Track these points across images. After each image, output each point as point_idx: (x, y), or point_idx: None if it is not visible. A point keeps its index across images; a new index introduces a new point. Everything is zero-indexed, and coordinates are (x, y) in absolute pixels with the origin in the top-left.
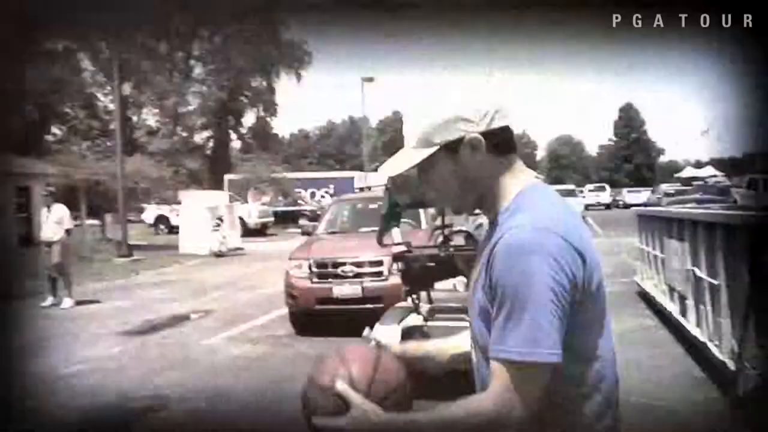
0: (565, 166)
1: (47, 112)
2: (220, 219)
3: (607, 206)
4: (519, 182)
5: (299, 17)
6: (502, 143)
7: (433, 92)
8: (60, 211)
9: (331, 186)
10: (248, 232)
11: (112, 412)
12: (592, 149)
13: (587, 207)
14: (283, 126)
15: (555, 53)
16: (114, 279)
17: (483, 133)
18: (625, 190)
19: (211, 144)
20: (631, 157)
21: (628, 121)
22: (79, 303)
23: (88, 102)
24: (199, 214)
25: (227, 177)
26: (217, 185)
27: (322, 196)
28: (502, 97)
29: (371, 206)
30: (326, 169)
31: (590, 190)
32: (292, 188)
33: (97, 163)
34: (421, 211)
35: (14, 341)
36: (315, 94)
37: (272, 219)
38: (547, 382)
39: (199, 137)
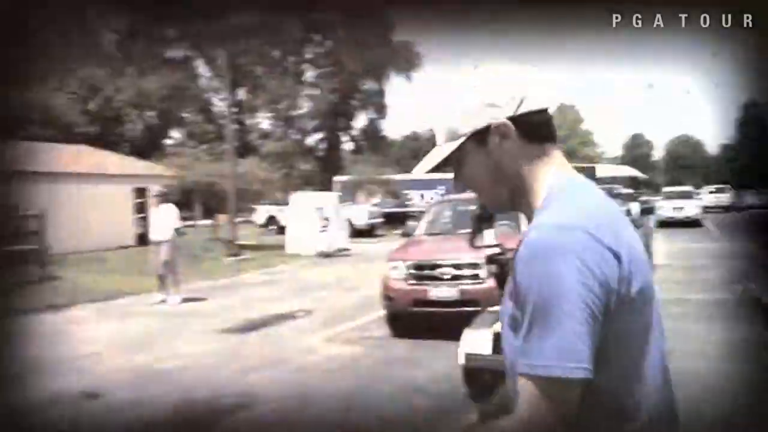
0: (684, 166)
1: (166, 117)
2: (327, 219)
3: (726, 209)
4: (554, 176)
5: (409, 19)
6: (535, 130)
7: (457, 83)
8: (169, 211)
9: (442, 187)
10: (356, 233)
11: (203, 407)
12: (713, 149)
13: (706, 209)
14: (393, 128)
15: (676, 52)
16: (221, 278)
17: (512, 119)
18: (747, 192)
19: (322, 146)
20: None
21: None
22: (186, 300)
23: (205, 107)
24: (307, 215)
25: (336, 178)
26: (328, 186)
27: (432, 198)
28: (532, 80)
29: (472, 207)
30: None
31: (710, 192)
32: (401, 189)
33: (210, 165)
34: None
35: (122, 336)
36: (425, 96)
37: (380, 220)
38: (577, 399)
39: (311, 139)
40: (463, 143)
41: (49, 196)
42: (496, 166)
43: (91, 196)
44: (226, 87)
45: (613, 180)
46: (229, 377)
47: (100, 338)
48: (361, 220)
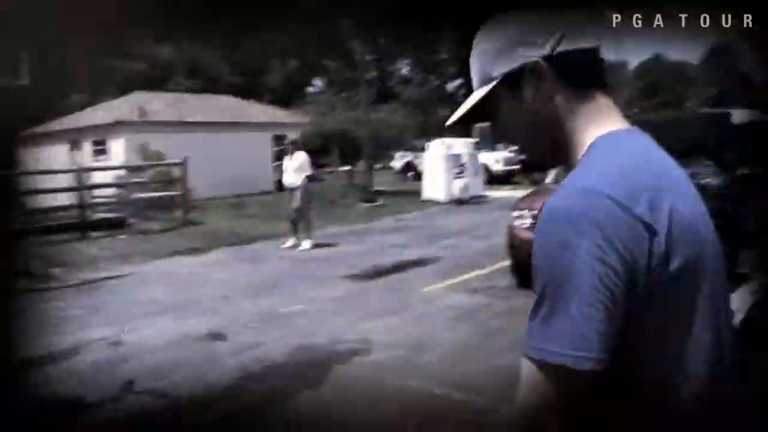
0: None
1: (308, 65)
2: (463, 166)
3: None
4: (598, 128)
5: None
6: (578, 72)
7: (491, 21)
8: (301, 158)
9: None
10: (493, 179)
11: (318, 353)
12: None
13: None
14: None
15: None
16: (354, 224)
17: (549, 59)
18: None
19: (462, 92)
20: None
21: None
22: (317, 246)
23: (345, 54)
24: (442, 161)
25: (476, 125)
26: (468, 133)
27: None
28: (575, 15)
29: None
30: None
31: None
32: None
33: (346, 112)
34: None
35: (252, 279)
36: None
37: (518, 167)
38: (584, 390)
39: (451, 85)
40: (496, 88)
41: (193, 144)
42: (533, 115)
43: (233, 143)
44: (366, 34)
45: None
46: (348, 323)
47: (232, 281)
48: (498, 167)
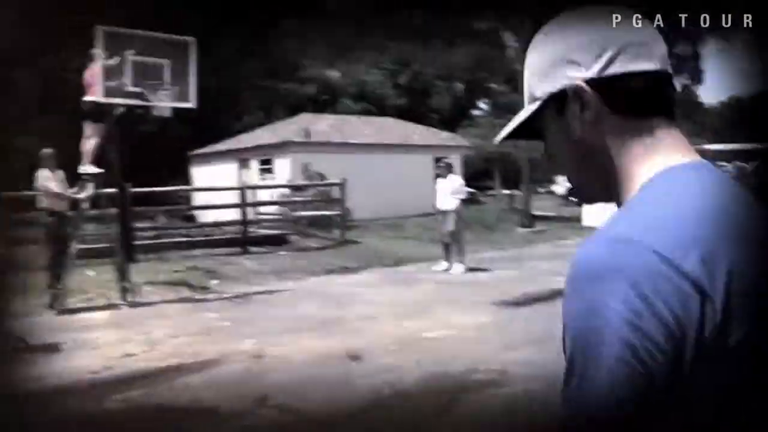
0: None
1: (473, 88)
2: None
3: None
4: (654, 163)
5: None
6: (632, 99)
7: (545, 33)
8: (455, 181)
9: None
10: None
11: (452, 381)
12: None
13: None
14: (710, 93)
15: None
16: (510, 248)
17: (594, 82)
18: None
19: None
20: None
21: None
22: (469, 270)
23: (511, 76)
24: None
25: None
26: None
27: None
28: (634, 32)
29: None
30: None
31: None
32: (717, 160)
33: None
34: None
35: (399, 301)
36: (746, 57)
37: None
38: None
39: None
40: (541, 110)
41: (355, 165)
42: (579, 144)
43: (394, 165)
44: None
45: None
46: (488, 352)
47: (379, 302)
48: None
